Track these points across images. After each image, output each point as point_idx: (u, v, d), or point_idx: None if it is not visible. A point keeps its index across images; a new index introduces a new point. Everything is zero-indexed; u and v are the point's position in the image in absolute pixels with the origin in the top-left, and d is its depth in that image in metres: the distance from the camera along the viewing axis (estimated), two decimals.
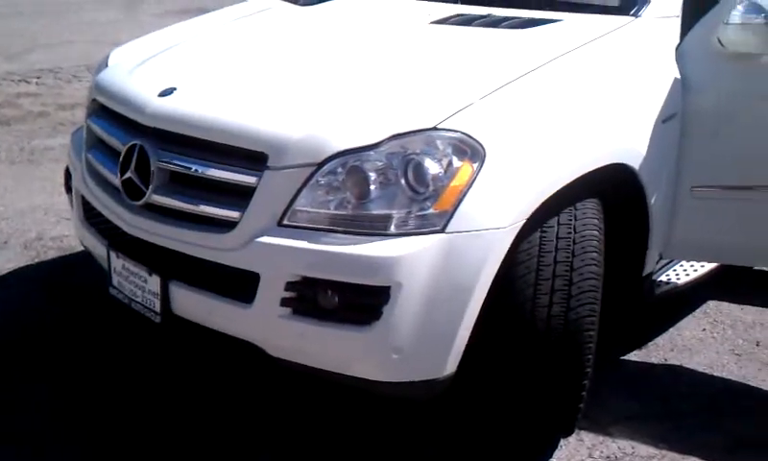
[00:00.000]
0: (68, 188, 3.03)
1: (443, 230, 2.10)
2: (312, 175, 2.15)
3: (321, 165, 2.15)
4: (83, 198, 2.80)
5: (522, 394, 2.32)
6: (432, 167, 2.12)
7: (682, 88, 2.68)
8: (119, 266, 2.52)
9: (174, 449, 2.50)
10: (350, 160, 2.14)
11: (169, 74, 2.62)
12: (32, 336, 3.10)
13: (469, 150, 2.15)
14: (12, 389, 2.79)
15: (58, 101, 6.80)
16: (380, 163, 2.14)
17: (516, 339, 2.24)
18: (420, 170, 2.13)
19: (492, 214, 2.14)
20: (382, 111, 2.23)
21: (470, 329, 2.16)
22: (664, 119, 2.64)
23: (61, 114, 6.40)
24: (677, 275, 3.08)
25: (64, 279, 3.56)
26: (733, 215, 2.79)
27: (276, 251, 2.15)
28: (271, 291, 2.17)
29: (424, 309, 2.09)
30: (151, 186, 2.36)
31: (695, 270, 3.13)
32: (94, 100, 2.80)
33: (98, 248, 2.68)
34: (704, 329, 3.29)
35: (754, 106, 2.70)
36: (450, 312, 2.13)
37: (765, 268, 3.63)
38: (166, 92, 2.45)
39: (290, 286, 2.15)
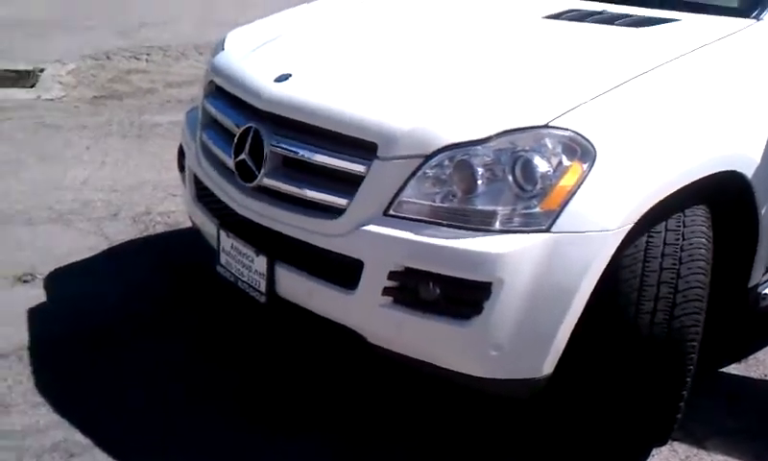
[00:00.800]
0: (181, 167, 3.14)
1: (548, 230, 2.09)
2: (420, 167, 2.18)
3: (429, 157, 2.18)
4: (195, 177, 2.90)
5: (619, 400, 2.30)
6: (541, 165, 2.12)
7: None
8: (228, 245, 2.62)
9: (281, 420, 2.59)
10: (458, 154, 2.16)
11: (284, 60, 2.69)
12: (147, 305, 3.24)
13: (580, 149, 2.13)
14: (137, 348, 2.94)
15: (166, 78, 7.02)
16: (488, 158, 2.15)
17: (616, 344, 2.22)
18: (528, 167, 2.13)
19: (600, 216, 2.12)
20: (492, 106, 2.24)
21: (570, 331, 2.16)
22: None
23: (169, 91, 6.61)
24: None
25: (172, 254, 3.70)
26: None
27: (382, 239, 2.19)
28: (373, 279, 2.21)
29: (525, 308, 2.10)
30: (263, 169, 2.44)
31: None
32: (211, 81, 2.90)
33: (208, 226, 2.78)
34: None
35: None
36: (551, 312, 2.13)
37: None
38: (282, 78, 2.52)
39: (393, 275, 2.19)
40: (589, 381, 2.29)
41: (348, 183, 2.27)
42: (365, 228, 2.22)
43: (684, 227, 2.29)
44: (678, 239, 2.27)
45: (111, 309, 3.20)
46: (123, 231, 3.88)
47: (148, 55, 7.71)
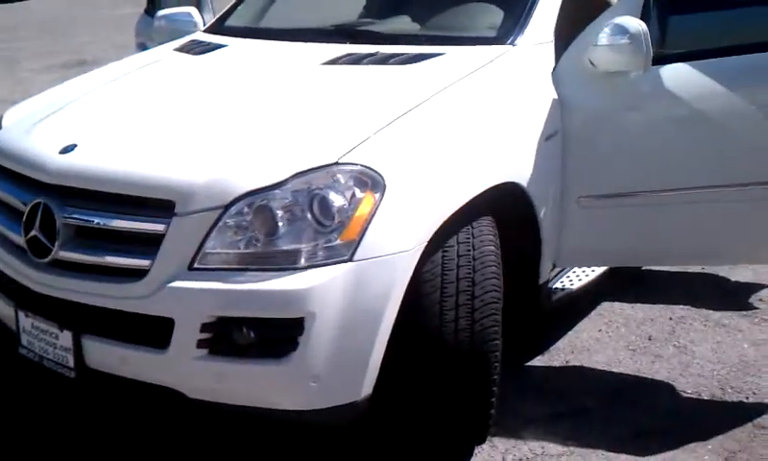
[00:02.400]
0: None
1: (350, 259, 2.20)
2: (220, 217, 2.22)
3: (228, 207, 2.22)
4: None
5: (436, 406, 2.44)
6: (336, 200, 2.23)
7: (560, 108, 2.89)
8: (28, 325, 2.51)
9: None
10: (257, 200, 2.22)
11: (68, 130, 2.63)
12: None
13: (370, 181, 2.26)
14: None
15: None
16: (286, 201, 2.23)
17: (426, 355, 2.36)
18: (324, 204, 2.23)
19: (396, 239, 2.26)
20: (284, 151, 2.32)
21: (383, 350, 2.27)
22: (547, 137, 2.84)
23: None
24: (570, 281, 3.30)
25: None
26: (617, 220, 3.01)
27: (189, 294, 2.20)
28: (186, 334, 2.21)
29: (338, 336, 2.18)
30: (57, 243, 2.37)
31: (587, 275, 3.35)
32: None
33: (4, 309, 2.65)
34: (600, 330, 3.51)
35: (624, 118, 2.94)
36: (363, 336, 2.23)
37: (651, 267, 3.90)
38: (67, 149, 2.47)
39: (205, 327, 2.20)
40: (406, 393, 2.41)
41: (149, 244, 2.26)
42: (171, 285, 2.22)
43: (474, 237, 2.49)
44: (469, 250, 2.46)
45: None
46: None
47: None
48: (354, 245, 2.21)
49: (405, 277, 2.28)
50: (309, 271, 2.18)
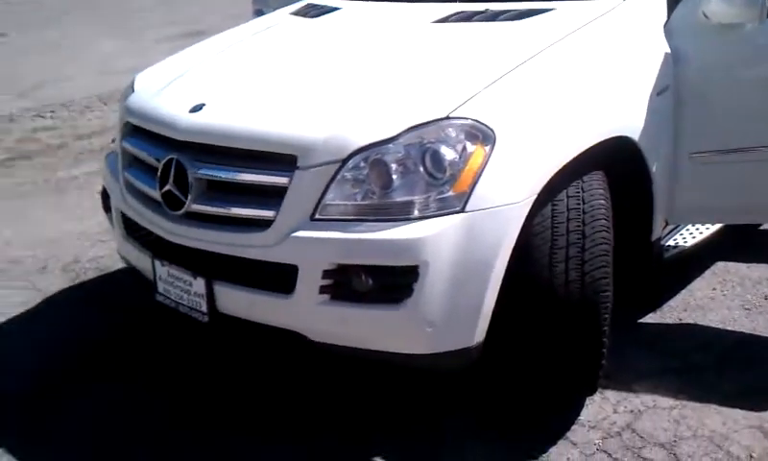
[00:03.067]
0: (107, 208, 3.22)
1: (462, 210, 2.28)
2: (338, 171, 2.34)
3: (345, 161, 2.34)
4: (123, 215, 2.99)
5: (546, 356, 2.50)
6: (448, 153, 2.31)
7: (672, 62, 2.86)
8: (164, 273, 2.72)
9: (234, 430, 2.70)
10: (372, 154, 2.33)
11: (196, 92, 2.82)
12: (90, 348, 3.30)
13: (481, 134, 2.33)
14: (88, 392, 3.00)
15: (74, 132, 7.03)
16: (399, 154, 2.33)
17: (537, 305, 2.42)
18: (436, 157, 2.31)
19: (506, 191, 2.33)
20: (397, 107, 2.42)
21: (495, 299, 2.35)
22: (659, 92, 2.82)
23: (80, 144, 6.62)
24: (683, 238, 3.27)
25: (106, 298, 3.76)
26: (731, 177, 2.96)
27: (312, 243, 2.34)
28: (309, 280, 2.36)
29: (451, 284, 2.28)
30: (190, 196, 2.56)
31: (700, 233, 3.31)
32: (127, 122, 3.00)
33: (142, 260, 2.88)
34: (714, 289, 3.46)
35: (739, 72, 2.88)
36: (475, 284, 2.31)
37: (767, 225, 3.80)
38: (196, 108, 2.65)
39: (327, 274, 2.34)
40: (517, 343, 2.49)
41: (273, 196, 2.41)
42: (295, 234, 2.36)
43: (584, 192, 2.52)
44: (579, 204, 2.49)
45: (53, 359, 3.24)
46: (54, 283, 3.92)
47: (52, 112, 7.68)
48: (466, 196, 2.29)
49: (515, 228, 2.34)
50: (423, 221, 2.27)
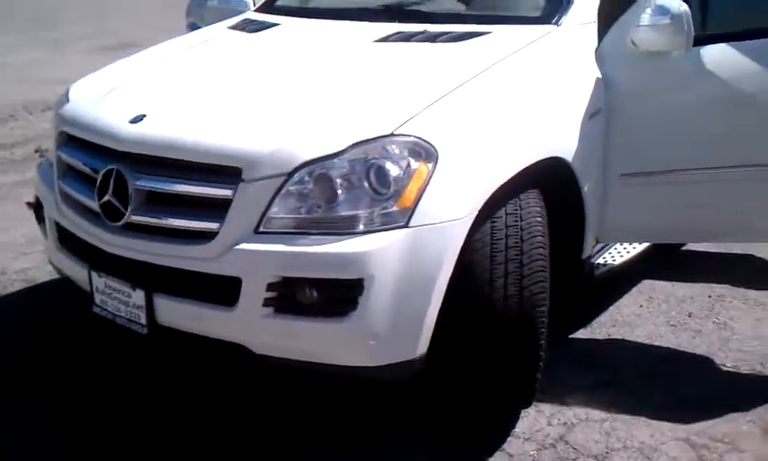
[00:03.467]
0: (40, 218, 3.15)
1: (406, 225, 2.33)
2: (283, 184, 2.36)
3: (290, 175, 2.36)
4: (57, 225, 2.93)
5: (485, 369, 2.56)
6: (392, 169, 2.35)
7: (603, 86, 2.98)
8: (101, 285, 2.68)
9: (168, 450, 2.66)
10: (317, 169, 2.36)
11: (136, 102, 2.79)
12: (18, 360, 3.20)
13: (424, 152, 2.38)
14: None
15: None
16: (344, 169, 2.36)
17: (477, 318, 2.48)
18: (381, 173, 2.35)
19: (449, 208, 2.38)
20: (342, 122, 2.45)
21: (437, 312, 2.39)
22: (591, 115, 2.93)
23: (1, 154, 6.43)
24: (612, 257, 3.40)
25: (34, 308, 3.66)
26: (657, 198, 3.09)
27: (256, 255, 2.34)
28: (253, 293, 2.36)
29: (395, 297, 2.31)
30: (130, 207, 2.53)
31: (628, 252, 3.45)
32: (62, 132, 2.94)
33: (77, 270, 2.82)
34: (641, 306, 3.60)
35: (665, 98, 3.02)
36: (418, 298, 2.36)
37: (692, 243, 3.97)
38: (137, 119, 2.62)
39: (271, 287, 2.34)
40: (457, 355, 2.54)
41: (217, 208, 2.41)
42: (238, 247, 2.36)
43: (521, 209, 2.60)
44: (517, 221, 2.57)
45: None
46: None
47: None
48: (409, 212, 2.33)
49: (457, 243, 2.40)
50: (367, 235, 2.31)
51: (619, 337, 3.36)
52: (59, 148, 2.95)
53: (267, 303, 2.36)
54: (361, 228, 2.32)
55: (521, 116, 2.69)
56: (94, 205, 2.65)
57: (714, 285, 3.75)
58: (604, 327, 3.43)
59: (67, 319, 3.39)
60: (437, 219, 2.36)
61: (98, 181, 2.63)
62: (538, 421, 2.81)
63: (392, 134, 2.38)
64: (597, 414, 2.85)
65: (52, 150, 3.12)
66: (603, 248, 3.40)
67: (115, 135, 2.62)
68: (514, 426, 2.77)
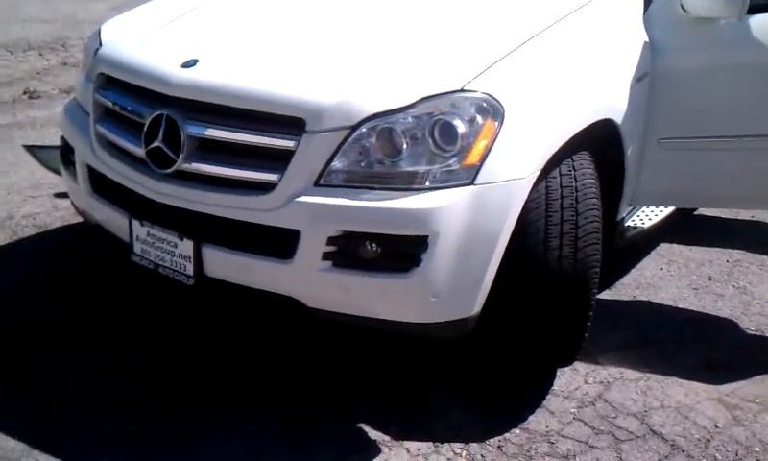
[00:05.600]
0: (67, 162, 3.05)
1: (472, 183, 2.31)
2: (347, 137, 2.32)
3: (355, 127, 2.31)
4: (90, 170, 2.85)
5: (535, 328, 2.57)
6: (460, 126, 2.32)
7: (650, 51, 2.97)
8: (143, 233, 2.61)
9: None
10: (383, 122, 2.32)
11: (185, 45, 2.70)
12: (44, 311, 3.13)
13: (491, 109, 2.36)
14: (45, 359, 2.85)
15: None
16: (410, 124, 2.32)
17: (530, 278, 2.49)
18: (448, 129, 2.32)
19: (514, 167, 2.37)
20: (409, 75, 2.41)
21: (495, 272, 2.39)
22: (638, 79, 2.93)
23: None
24: (641, 220, 3.42)
25: (49, 256, 3.57)
26: (694, 164, 3.11)
27: (318, 208, 2.31)
28: (312, 246, 2.33)
29: (458, 255, 2.30)
30: (182, 155, 2.46)
31: (656, 214, 3.47)
32: (100, 74, 2.84)
33: (113, 218, 2.75)
34: (662, 269, 3.65)
35: (712, 64, 3.02)
36: (480, 257, 2.35)
37: (725, 208, 4.03)
38: (189, 64, 2.54)
39: (331, 241, 2.31)
40: (508, 314, 2.54)
41: (277, 159, 2.36)
42: (299, 199, 2.32)
43: (575, 170, 2.60)
44: (571, 182, 2.56)
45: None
46: None
47: None
48: (475, 170, 2.32)
49: (520, 203, 2.39)
50: (434, 192, 2.28)
51: (644, 299, 3.40)
52: (96, 91, 2.84)
53: (326, 256, 2.32)
54: (426, 184, 2.30)
55: (581, 76, 2.68)
56: (139, 151, 2.57)
57: (731, 251, 3.82)
58: (628, 288, 3.47)
59: (89, 265, 3.31)
60: (502, 177, 2.34)
61: (145, 127, 2.55)
62: (574, 379, 2.85)
63: (461, 90, 2.35)
64: (632, 373, 2.89)
65: (82, 91, 3.02)
66: (632, 211, 3.42)
67: (167, 80, 2.53)
68: (552, 384, 2.80)
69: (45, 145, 4.92)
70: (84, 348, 2.91)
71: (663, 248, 3.82)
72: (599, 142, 2.78)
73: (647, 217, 3.44)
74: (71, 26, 8.04)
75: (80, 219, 3.21)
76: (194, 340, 2.98)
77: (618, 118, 2.79)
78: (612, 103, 2.78)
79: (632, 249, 3.63)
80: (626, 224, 3.32)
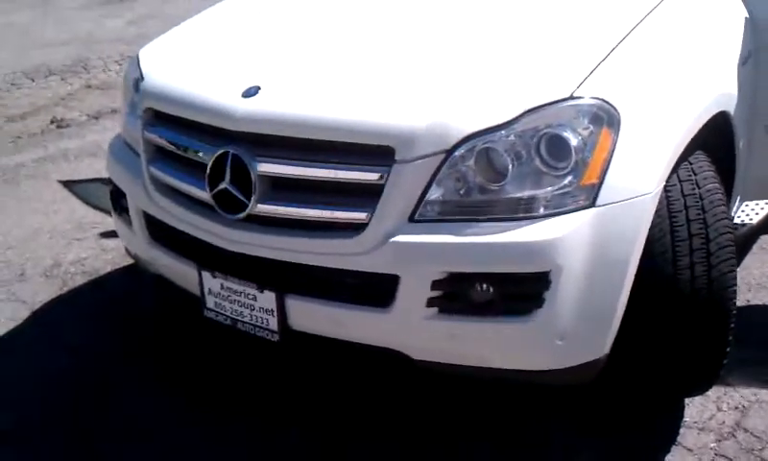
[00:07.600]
0: (119, 208, 2.77)
1: (593, 204, 1.99)
2: (443, 163, 2.01)
3: (451, 151, 2.01)
4: (147, 217, 2.57)
5: (668, 357, 2.25)
6: (572, 139, 2.01)
7: (751, 27, 2.64)
8: (216, 286, 2.33)
9: None
10: (482, 143, 2.01)
11: (242, 70, 2.40)
12: (101, 369, 2.89)
13: (606, 116, 2.04)
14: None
15: (4, 112, 6.34)
16: (515, 142, 2.01)
17: (661, 305, 2.17)
18: (559, 144, 2.01)
19: (638, 180, 2.05)
20: (508, 87, 2.09)
21: (626, 302, 2.08)
22: (744, 61, 2.61)
23: (14, 127, 5.97)
24: (748, 216, 3.08)
25: (106, 306, 3.31)
26: None
27: (417, 248, 2.01)
28: (414, 292, 2.03)
29: (585, 289, 1.99)
30: (254, 196, 2.17)
31: (762, 208, 3.13)
32: (148, 109, 2.55)
33: (180, 269, 2.47)
34: None
35: None
36: (610, 288, 2.04)
37: None
38: (251, 92, 2.25)
39: (436, 285, 2.01)
40: (637, 345, 2.22)
41: (364, 195, 2.06)
42: (395, 239, 2.02)
43: (695, 174, 2.27)
44: (694, 188, 2.24)
45: (64, 383, 2.80)
46: (38, 292, 3.42)
47: None
48: (596, 189, 2.00)
49: (648, 221, 2.08)
50: (551, 219, 1.97)
51: (760, 303, 3.07)
52: (145, 128, 2.55)
53: (431, 302, 2.02)
54: (541, 211, 1.99)
55: (691, 67, 2.35)
56: (204, 195, 2.29)
57: None
58: (739, 291, 3.12)
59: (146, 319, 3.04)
60: (626, 195, 2.02)
61: (208, 168, 2.26)
62: (706, 407, 2.53)
63: (571, 97, 2.03)
64: (766, 394, 2.56)
65: (127, 128, 2.75)
66: (736, 207, 3.09)
67: (228, 113, 2.24)
68: (682, 415, 2.49)
69: (83, 179, 4.68)
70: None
71: (765, 240, 3.47)
72: (713, 138, 2.45)
73: (754, 212, 3.09)
74: (90, 46, 7.81)
75: (130, 260, 2.94)
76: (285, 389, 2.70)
77: (731, 109, 2.47)
78: (724, 92, 2.47)
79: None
80: (733, 222, 2.99)
